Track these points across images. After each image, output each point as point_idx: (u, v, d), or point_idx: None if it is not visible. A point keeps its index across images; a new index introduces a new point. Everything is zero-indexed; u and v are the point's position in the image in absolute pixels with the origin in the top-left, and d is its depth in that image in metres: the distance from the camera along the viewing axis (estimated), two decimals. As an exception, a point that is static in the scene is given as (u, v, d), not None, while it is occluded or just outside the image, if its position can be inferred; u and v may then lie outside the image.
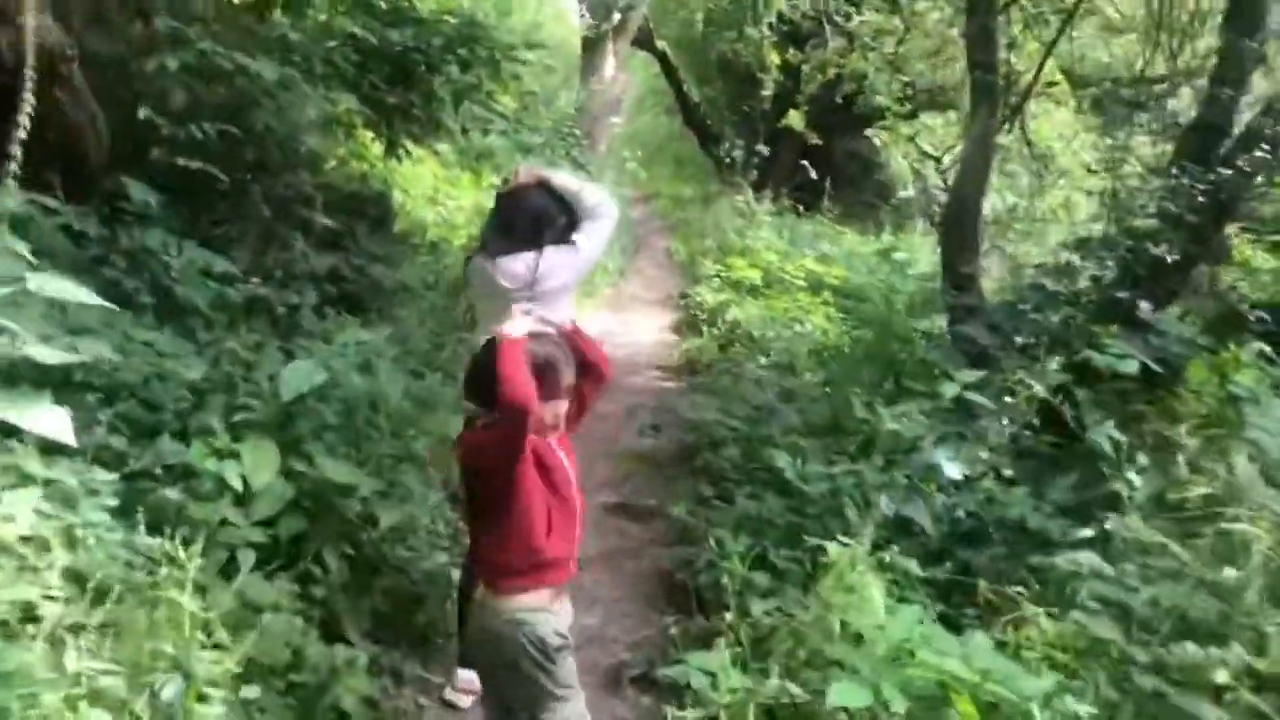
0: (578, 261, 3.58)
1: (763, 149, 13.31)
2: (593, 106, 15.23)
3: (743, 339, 9.25)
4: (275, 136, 4.97)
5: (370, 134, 7.45)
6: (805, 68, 11.88)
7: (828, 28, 12.27)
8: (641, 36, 16.77)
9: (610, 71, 16.20)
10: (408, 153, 7.35)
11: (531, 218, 3.55)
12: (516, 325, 2.54)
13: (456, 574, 3.78)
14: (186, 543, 2.67)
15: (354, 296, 5.77)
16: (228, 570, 2.98)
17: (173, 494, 3.05)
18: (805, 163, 14.01)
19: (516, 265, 3.49)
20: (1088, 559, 3.35)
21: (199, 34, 4.67)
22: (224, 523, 3.09)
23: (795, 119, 11.55)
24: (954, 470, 4.31)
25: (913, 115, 11.46)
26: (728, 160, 14.80)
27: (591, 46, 16.32)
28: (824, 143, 14.91)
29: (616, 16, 14.75)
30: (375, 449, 3.76)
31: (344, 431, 3.69)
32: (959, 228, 6.37)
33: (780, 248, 11.64)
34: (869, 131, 16.88)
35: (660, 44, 17.70)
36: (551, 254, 3.51)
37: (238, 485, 3.14)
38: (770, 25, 13.64)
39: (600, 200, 3.62)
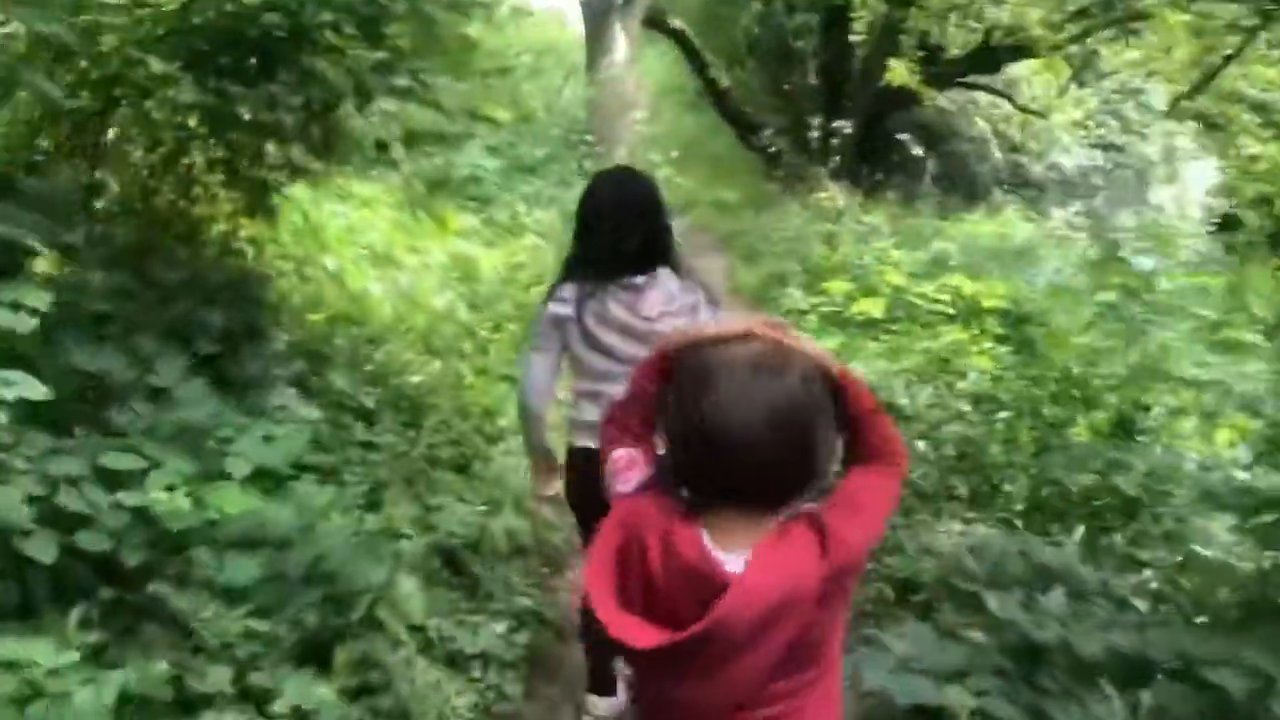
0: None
1: (844, 125, 9.81)
2: (605, 101, 11.85)
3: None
4: None
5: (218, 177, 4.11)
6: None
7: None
8: (653, 16, 13.35)
9: (623, 55, 12.78)
10: (279, 195, 3.97)
11: (648, 203, 2.57)
12: None
13: None
14: None
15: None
16: None
17: None
18: (906, 136, 10.47)
19: (657, 287, 2.52)
20: None
21: None
22: None
23: (900, 73, 8.06)
24: None
25: (1078, 39, 7.92)
26: (772, 151, 11.45)
27: (596, 26, 12.91)
28: (880, 113, 11.48)
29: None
30: None
31: None
32: None
33: (896, 259, 8.13)
34: (940, 98, 13.27)
35: (676, 22, 14.08)
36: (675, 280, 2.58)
37: None
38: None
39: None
